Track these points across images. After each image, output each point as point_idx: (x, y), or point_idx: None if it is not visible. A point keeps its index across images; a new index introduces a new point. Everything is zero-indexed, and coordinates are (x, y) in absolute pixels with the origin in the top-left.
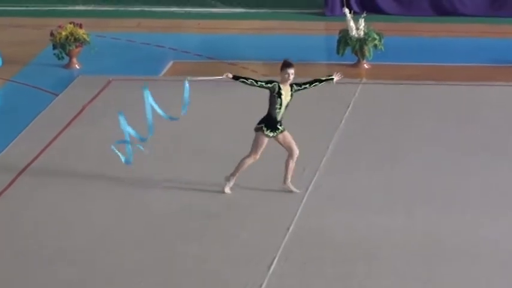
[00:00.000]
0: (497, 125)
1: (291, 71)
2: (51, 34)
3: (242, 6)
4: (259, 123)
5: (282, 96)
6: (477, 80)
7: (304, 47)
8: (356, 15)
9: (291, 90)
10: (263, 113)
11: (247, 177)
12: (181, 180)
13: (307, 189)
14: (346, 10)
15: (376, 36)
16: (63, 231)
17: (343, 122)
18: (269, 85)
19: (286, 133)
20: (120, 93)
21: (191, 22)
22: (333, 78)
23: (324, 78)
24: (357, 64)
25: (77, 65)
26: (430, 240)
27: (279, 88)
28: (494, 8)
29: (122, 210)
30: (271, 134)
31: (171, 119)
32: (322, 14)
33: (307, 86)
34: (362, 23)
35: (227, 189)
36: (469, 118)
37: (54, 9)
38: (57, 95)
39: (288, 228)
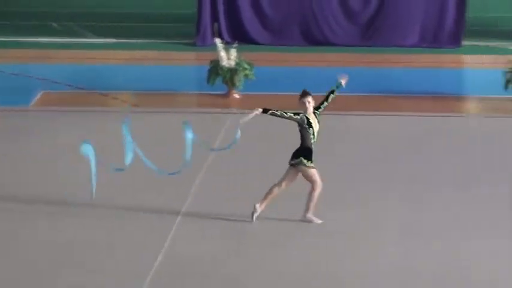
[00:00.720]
0: (365, 155)
1: (308, 99)
2: None
3: (113, 37)
4: (296, 157)
5: (313, 125)
6: (347, 110)
7: (175, 76)
8: (227, 45)
9: (316, 117)
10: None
11: (117, 206)
12: (66, 209)
13: (177, 216)
14: (217, 40)
15: (247, 66)
16: None
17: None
18: (297, 117)
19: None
20: None
21: (61, 52)
22: (341, 83)
23: (335, 88)
24: (227, 94)
25: None
26: (303, 272)
27: (307, 118)
28: (365, 38)
29: (4, 239)
30: (312, 164)
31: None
32: (194, 44)
33: (325, 103)
34: (233, 52)
35: (317, 220)
36: (339, 148)
37: None
38: None
39: (157, 257)
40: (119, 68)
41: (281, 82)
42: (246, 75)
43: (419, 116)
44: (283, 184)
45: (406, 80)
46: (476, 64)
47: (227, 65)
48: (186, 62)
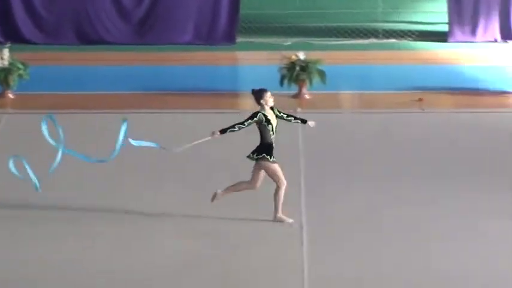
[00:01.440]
0: (147, 152)
1: (269, 93)
2: None
3: None
4: (258, 154)
5: (271, 122)
6: (126, 108)
7: None
8: (0, 45)
9: (274, 113)
10: None
11: None
12: None
13: None
14: None
15: (20, 65)
16: None
17: None
18: (255, 118)
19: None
20: None
21: None
22: (306, 121)
23: (299, 118)
24: (1, 94)
25: None
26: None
27: (265, 115)
28: (140, 36)
29: None
30: (273, 159)
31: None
32: None
33: (284, 116)
34: (6, 52)
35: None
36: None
37: None
38: None
39: None
40: None
41: (56, 81)
42: (20, 75)
43: (197, 112)
44: (253, 183)
45: (182, 77)
46: (252, 60)
47: (0, 65)
48: None
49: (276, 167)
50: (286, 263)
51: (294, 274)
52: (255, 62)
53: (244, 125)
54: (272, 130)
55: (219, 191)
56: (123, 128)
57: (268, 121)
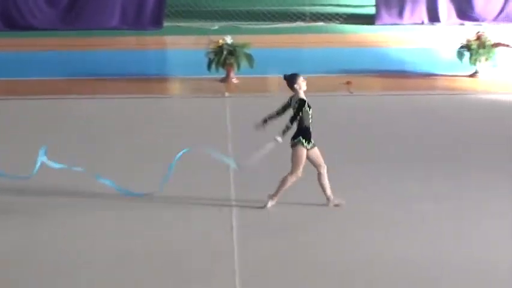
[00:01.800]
0: (77, 138)
1: (302, 77)
2: None
3: None
4: (294, 138)
5: (311, 105)
6: (57, 93)
7: None
8: None
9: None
10: None
11: None
12: None
13: None
14: None
15: None
16: None
17: None
18: (303, 107)
19: (315, 147)
20: None
21: None
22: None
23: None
24: None
25: None
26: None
27: (307, 101)
28: (66, 22)
29: None
30: (309, 146)
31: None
32: None
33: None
34: None
35: (269, 205)
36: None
37: None
38: None
39: None
40: None
41: None
42: None
43: (126, 98)
44: (317, 167)
45: (110, 62)
46: (179, 45)
47: None
48: None
49: (303, 154)
50: (216, 248)
51: (224, 259)
52: (183, 46)
53: (296, 118)
54: (311, 114)
55: (333, 199)
56: (41, 153)
57: (309, 106)
